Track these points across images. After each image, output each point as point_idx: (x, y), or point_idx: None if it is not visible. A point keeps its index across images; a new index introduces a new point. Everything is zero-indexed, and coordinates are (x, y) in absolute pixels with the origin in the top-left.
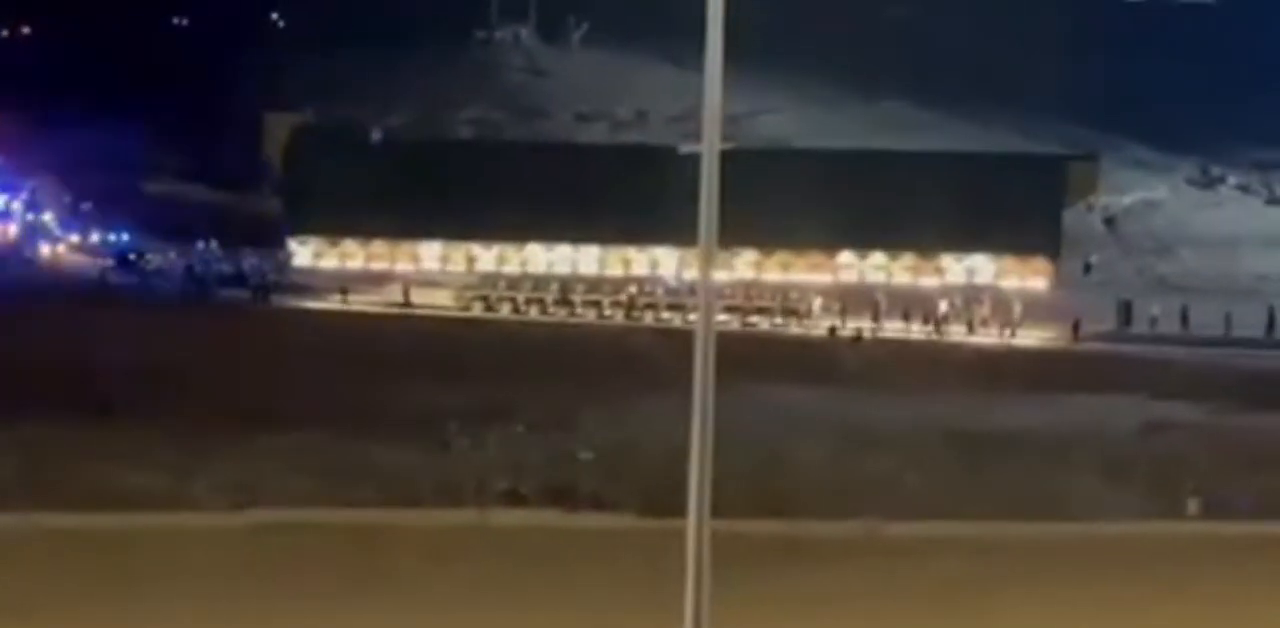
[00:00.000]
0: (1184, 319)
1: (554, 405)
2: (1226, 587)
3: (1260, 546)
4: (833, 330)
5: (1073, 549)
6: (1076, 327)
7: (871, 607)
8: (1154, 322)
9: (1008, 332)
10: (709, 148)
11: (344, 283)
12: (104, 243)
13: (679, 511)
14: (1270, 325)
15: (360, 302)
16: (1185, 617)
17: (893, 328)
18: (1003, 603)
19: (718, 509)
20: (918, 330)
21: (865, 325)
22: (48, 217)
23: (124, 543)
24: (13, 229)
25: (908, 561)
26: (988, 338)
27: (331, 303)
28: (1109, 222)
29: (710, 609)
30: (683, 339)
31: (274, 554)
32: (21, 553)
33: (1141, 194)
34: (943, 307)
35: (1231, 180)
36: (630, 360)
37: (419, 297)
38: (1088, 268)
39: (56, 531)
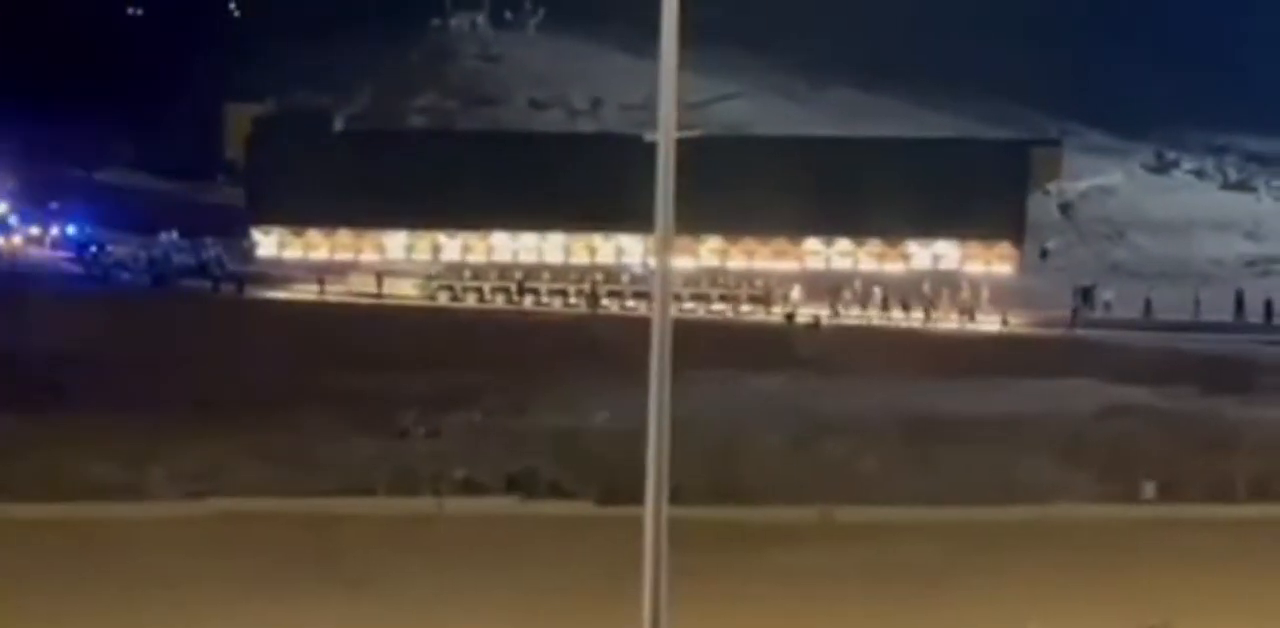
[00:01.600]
0: (1147, 306)
1: (515, 393)
2: (1180, 568)
3: (1214, 527)
4: (789, 317)
5: (1028, 533)
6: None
7: (824, 591)
8: (1107, 306)
9: (968, 317)
10: (664, 135)
11: (311, 272)
12: (64, 235)
13: (634, 497)
14: (1239, 310)
15: (328, 292)
16: (1138, 599)
17: (854, 314)
18: (956, 586)
19: (672, 493)
20: (878, 317)
21: (841, 312)
22: (2, 208)
23: (84, 532)
24: None
25: (861, 545)
26: (953, 323)
27: (296, 292)
28: (1065, 207)
29: (668, 594)
30: (647, 327)
31: (235, 543)
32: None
33: (1097, 179)
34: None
35: (1186, 165)
36: (594, 348)
37: (385, 287)
38: (1044, 253)
39: (19, 520)
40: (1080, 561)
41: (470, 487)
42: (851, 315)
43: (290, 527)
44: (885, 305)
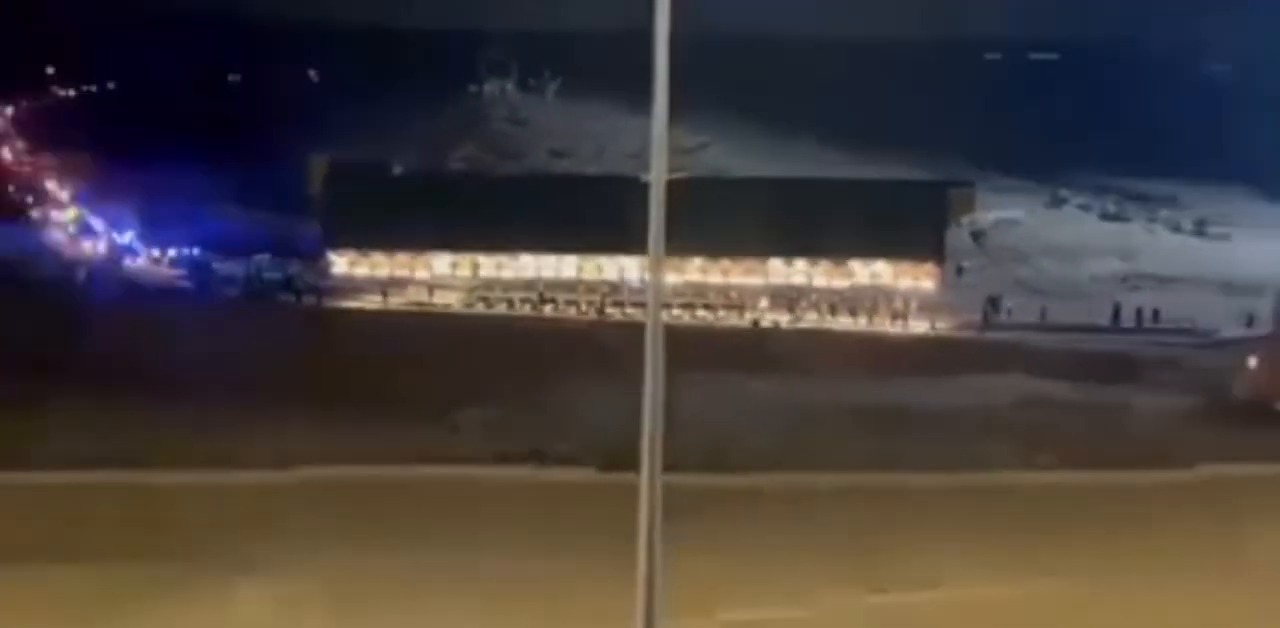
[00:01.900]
0: (1043, 314)
1: (536, 381)
2: (1077, 523)
3: (1102, 490)
4: (755, 323)
5: (955, 495)
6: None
7: (789, 542)
8: (1009, 313)
9: (900, 322)
10: (656, 177)
11: (375, 286)
12: (179, 257)
13: (630, 466)
14: (1118, 316)
15: (389, 302)
16: (1042, 544)
17: (810, 320)
18: (891, 535)
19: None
20: (829, 323)
21: (790, 318)
22: (129, 236)
23: (172, 498)
24: (102, 246)
25: (820, 505)
26: (889, 327)
27: (364, 302)
28: (976, 235)
29: (661, 547)
30: (643, 329)
31: (318, 503)
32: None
33: (1003, 213)
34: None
35: (1074, 202)
36: (602, 345)
37: (434, 297)
38: (960, 271)
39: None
40: (994, 517)
41: (500, 457)
42: (808, 320)
43: (358, 489)
44: (834, 312)
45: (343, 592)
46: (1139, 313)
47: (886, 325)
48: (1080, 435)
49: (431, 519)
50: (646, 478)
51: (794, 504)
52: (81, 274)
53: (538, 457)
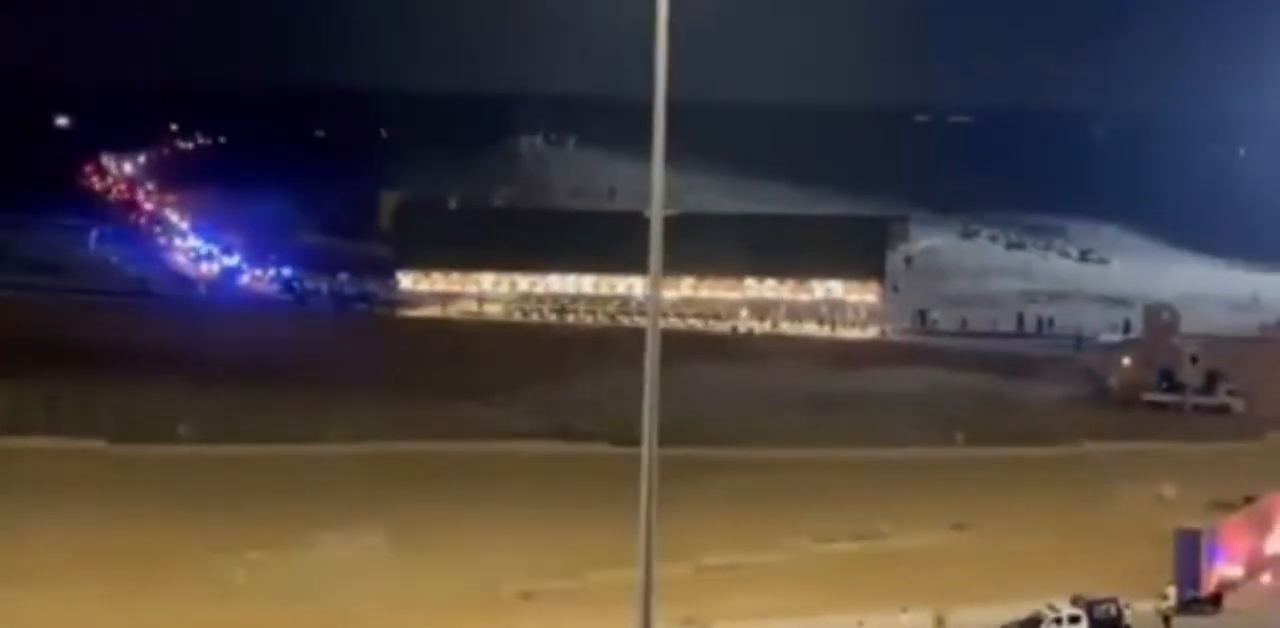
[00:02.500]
0: (963, 323)
1: (561, 374)
2: (983, 489)
3: (1003, 462)
4: (734, 328)
5: (885, 465)
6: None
7: (756, 496)
8: (934, 322)
9: (854, 329)
10: (656, 212)
11: (434, 299)
12: (276, 276)
13: (636, 440)
14: (1020, 324)
15: (443, 311)
16: (954, 508)
17: (780, 327)
18: (836, 497)
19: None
20: (792, 329)
21: (761, 325)
22: (235, 258)
23: (264, 465)
24: (215, 267)
25: (780, 471)
26: (840, 332)
27: (424, 312)
28: (907, 260)
29: (657, 504)
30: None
31: (388, 469)
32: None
33: (926, 243)
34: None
35: (984, 233)
36: (613, 346)
37: (480, 307)
38: (895, 288)
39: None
40: (913, 483)
41: (531, 434)
42: (779, 327)
43: (416, 460)
44: (800, 320)
45: (406, 542)
46: (1039, 321)
47: (842, 331)
48: (985, 418)
49: (478, 482)
50: (646, 450)
51: (758, 473)
52: (203, 289)
53: (565, 433)
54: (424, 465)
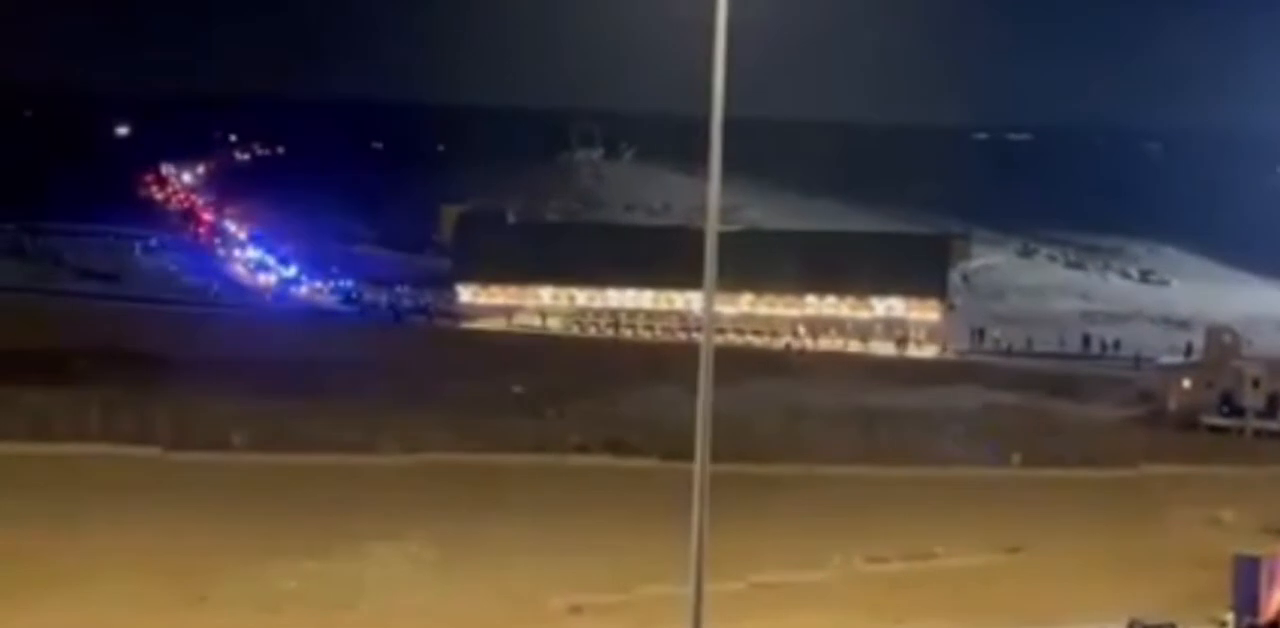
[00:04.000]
0: (1029, 343)
1: (617, 389)
2: (1038, 511)
3: (1059, 483)
4: (788, 346)
5: (939, 484)
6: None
7: (807, 514)
8: (996, 342)
9: (912, 346)
10: (711, 228)
11: (494, 312)
12: (335, 287)
13: (689, 456)
14: (1085, 345)
15: (500, 324)
16: (1004, 527)
17: (831, 344)
18: (887, 513)
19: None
20: (852, 346)
21: (817, 342)
22: (293, 270)
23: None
24: (274, 278)
25: (831, 489)
26: (902, 351)
27: (484, 324)
28: (965, 278)
29: (708, 521)
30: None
31: (437, 480)
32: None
33: (985, 261)
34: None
35: (1043, 252)
36: (668, 361)
37: (537, 320)
38: (952, 306)
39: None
40: (967, 503)
41: (582, 448)
42: (837, 344)
43: (467, 472)
44: (864, 339)
45: (455, 554)
46: (1103, 342)
47: (905, 350)
48: (1041, 438)
49: (528, 496)
50: (699, 466)
51: (808, 489)
52: (268, 297)
53: (613, 447)
54: (475, 478)
